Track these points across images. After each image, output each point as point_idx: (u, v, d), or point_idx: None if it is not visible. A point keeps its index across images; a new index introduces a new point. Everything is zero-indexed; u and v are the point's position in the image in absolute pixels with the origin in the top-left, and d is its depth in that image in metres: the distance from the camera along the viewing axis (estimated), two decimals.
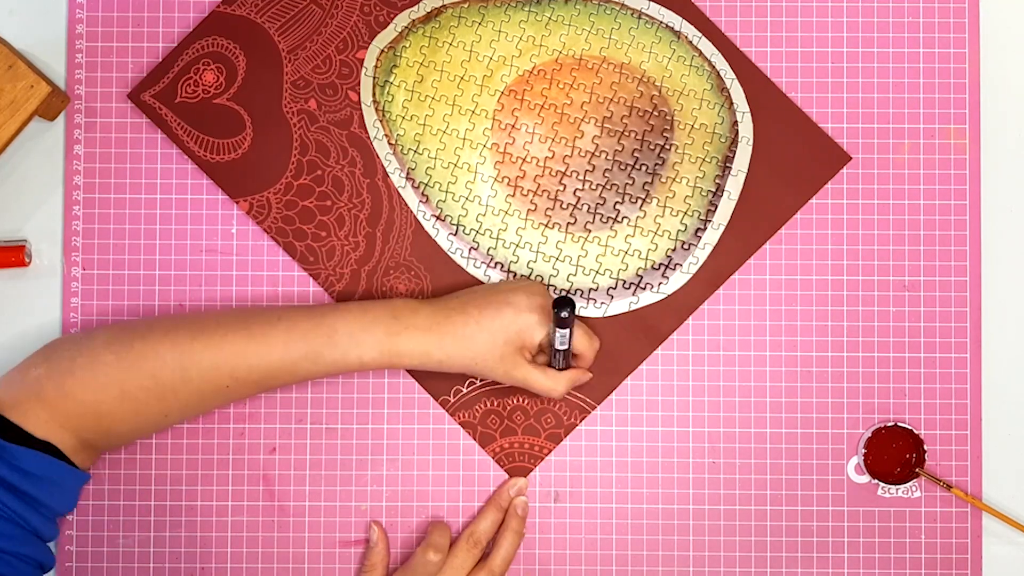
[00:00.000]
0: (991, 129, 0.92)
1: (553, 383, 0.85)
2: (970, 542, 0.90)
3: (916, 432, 0.90)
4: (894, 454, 0.90)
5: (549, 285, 0.90)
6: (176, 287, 0.91)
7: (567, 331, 0.81)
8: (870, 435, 0.90)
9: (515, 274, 0.90)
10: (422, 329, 0.83)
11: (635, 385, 0.91)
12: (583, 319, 0.90)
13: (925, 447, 0.90)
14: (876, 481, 0.90)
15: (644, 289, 0.91)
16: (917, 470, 0.90)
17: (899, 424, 0.90)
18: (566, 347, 0.83)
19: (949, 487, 0.89)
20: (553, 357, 0.85)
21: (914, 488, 0.90)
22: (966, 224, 0.91)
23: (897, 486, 0.90)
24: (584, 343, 0.86)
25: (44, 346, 0.84)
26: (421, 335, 0.83)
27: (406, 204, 0.91)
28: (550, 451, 0.90)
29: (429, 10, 0.92)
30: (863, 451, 0.90)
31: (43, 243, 0.92)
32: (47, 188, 0.92)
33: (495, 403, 0.90)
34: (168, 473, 0.90)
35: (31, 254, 0.91)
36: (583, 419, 0.90)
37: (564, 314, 0.78)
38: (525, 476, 0.90)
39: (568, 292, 0.90)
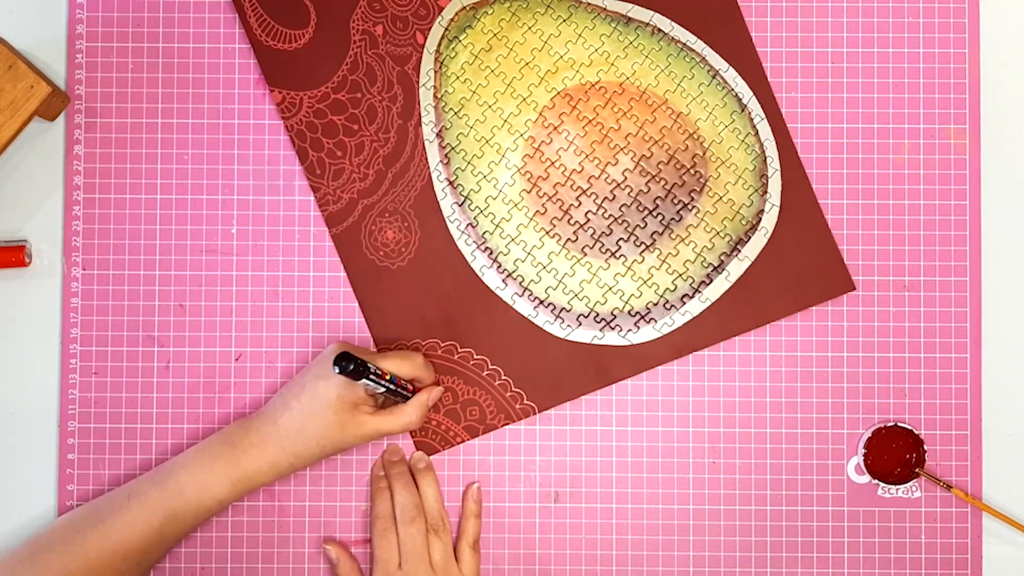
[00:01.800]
0: (991, 129, 0.92)
1: (403, 417, 0.85)
2: (970, 542, 0.90)
3: (916, 432, 0.90)
4: (894, 454, 0.90)
5: (526, 290, 0.90)
6: (176, 287, 0.91)
7: (371, 376, 0.80)
8: (870, 435, 0.90)
9: (499, 266, 0.90)
10: (258, 445, 0.83)
11: (635, 385, 0.91)
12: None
13: (925, 447, 0.90)
14: (876, 481, 0.90)
15: (612, 330, 0.90)
16: (917, 470, 0.90)
17: (899, 424, 0.90)
18: (386, 387, 0.83)
19: (949, 487, 0.89)
20: (392, 396, 0.85)
21: (914, 488, 0.90)
22: (966, 224, 0.91)
23: (897, 486, 0.90)
24: (405, 368, 0.86)
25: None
26: (259, 451, 0.83)
27: (426, 158, 0.91)
28: (462, 441, 0.90)
29: None
30: (863, 451, 0.90)
31: (43, 243, 0.92)
32: (47, 188, 0.92)
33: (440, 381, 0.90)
34: None
35: (31, 254, 0.91)
36: (505, 424, 0.90)
37: (351, 367, 0.77)
38: (429, 455, 0.90)
39: (541, 303, 0.90)
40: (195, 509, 0.83)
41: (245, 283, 0.91)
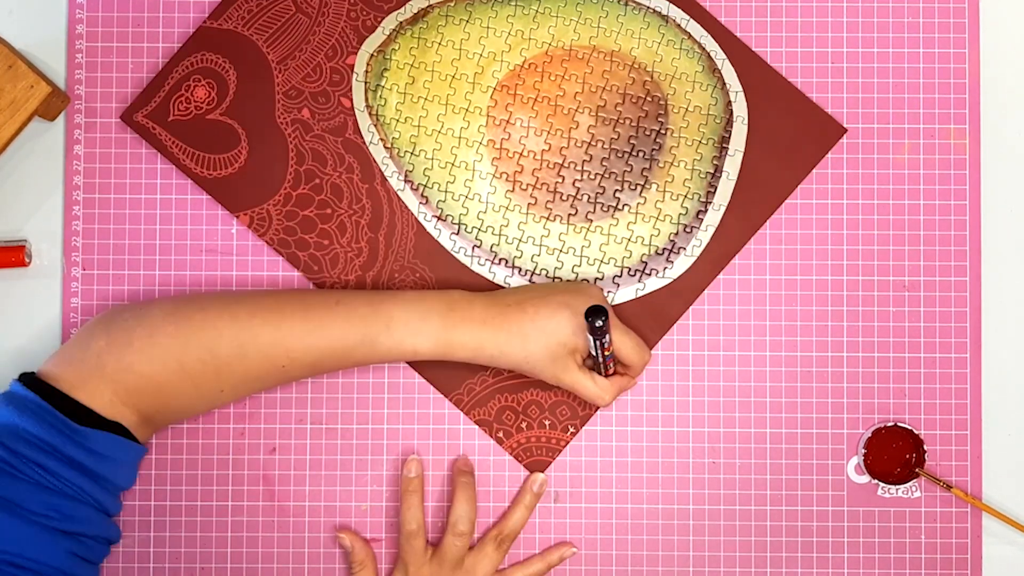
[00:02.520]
0: (991, 129, 0.92)
1: (600, 390, 0.85)
2: (970, 542, 0.90)
3: (916, 432, 0.90)
4: (894, 454, 0.90)
5: (554, 278, 0.90)
6: (176, 287, 0.91)
7: (605, 339, 0.81)
8: (870, 435, 0.90)
9: (519, 269, 0.90)
10: (478, 322, 0.83)
11: (635, 385, 0.91)
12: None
13: (925, 447, 0.90)
14: (876, 481, 0.90)
15: (649, 275, 0.91)
16: (917, 470, 0.90)
17: (899, 424, 0.90)
18: (606, 354, 0.83)
19: (949, 487, 0.89)
20: (596, 364, 0.85)
21: (914, 488, 0.90)
22: (966, 224, 0.91)
23: (897, 486, 0.90)
24: (632, 353, 0.85)
25: (101, 316, 0.84)
26: (476, 328, 0.83)
27: (406, 207, 0.91)
28: (566, 443, 0.90)
29: (416, 11, 0.92)
30: (863, 451, 0.90)
31: (43, 243, 0.92)
32: (47, 188, 0.92)
33: (509, 399, 0.90)
34: (168, 473, 0.90)
35: (31, 254, 0.91)
36: (598, 409, 0.90)
37: (598, 323, 0.78)
38: (543, 471, 0.90)
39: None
40: (392, 345, 0.82)
41: (245, 283, 0.91)
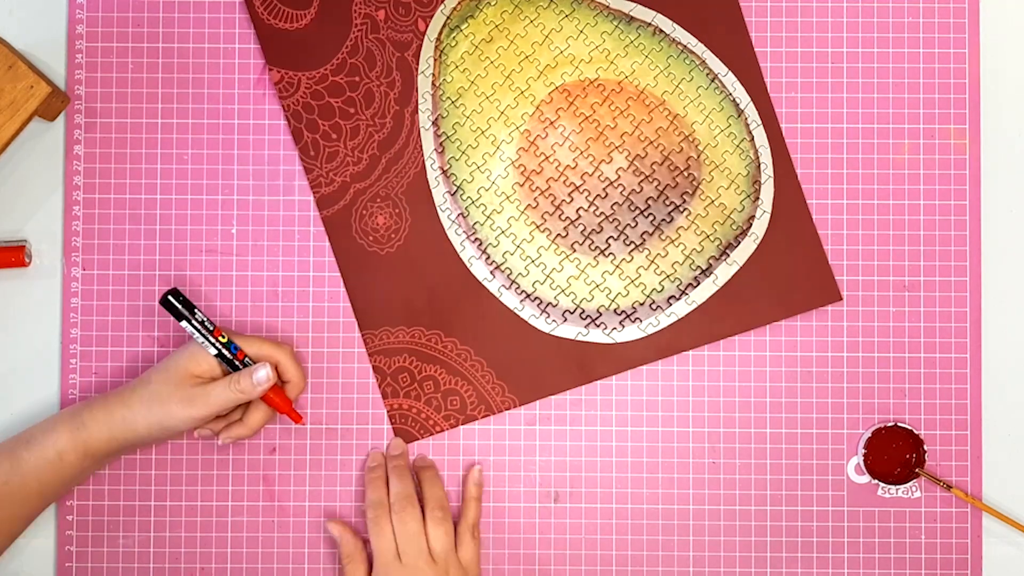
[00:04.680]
0: (991, 129, 0.92)
1: (237, 386, 0.84)
2: (970, 542, 0.90)
3: (916, 432, 0.90)
4: (894, 454, 0.90)
5: (513, 282, 0.90)
6: (176, 287, 0.91)
7: (196, 319, 0.83)
8: (870, 435, 0.90)
9: (488, 257, 0.90)
10: (99, 400, 0.84)
11: (635, 385, 0.91)
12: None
13: (925, 447, 0.90)
14: (876, 481, 0.90)
15: (597, 327, 0.90)
16: (917, 470, 0.90)
17: (899, 424, 0.90)
18: (214, 346, 0.84)
19: (949, 487, 0.89)
20: (221, 356, 0.85)
21: (914, 488, 0.90)
22: (966, 224, 0.91)
23: (897, 486, 0.90)
24: (262, 348, 0.86)
25: None
26: (103, 401, 0.84)
27: (421, 146, 0.91)
28: (442, 431, 0.90)
29: None
30: (863, 451, 0.90)
31: (43, 243, 0.92)
32: (47, 188, 0.92)
33: (412, 362, 0.90)
34: (168, 473, 0.90)
35: (31, 254, 0.91)
36: (486, 415, 0.90)
37: (172, 305, 0.82)
38: (408, 443, 0.90)
39: (528, 296, 0.90)
40: (37, 454, 0.82)
41: (245, 283, 0.91)
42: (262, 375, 0.84)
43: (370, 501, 0.87)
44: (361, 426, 0.91)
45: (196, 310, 0.85)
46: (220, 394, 0.84)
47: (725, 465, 0.91)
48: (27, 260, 0.91)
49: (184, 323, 0.84)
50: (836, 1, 0.92)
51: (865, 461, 0.90)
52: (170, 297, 0.84)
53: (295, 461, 0.91)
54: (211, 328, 0.85)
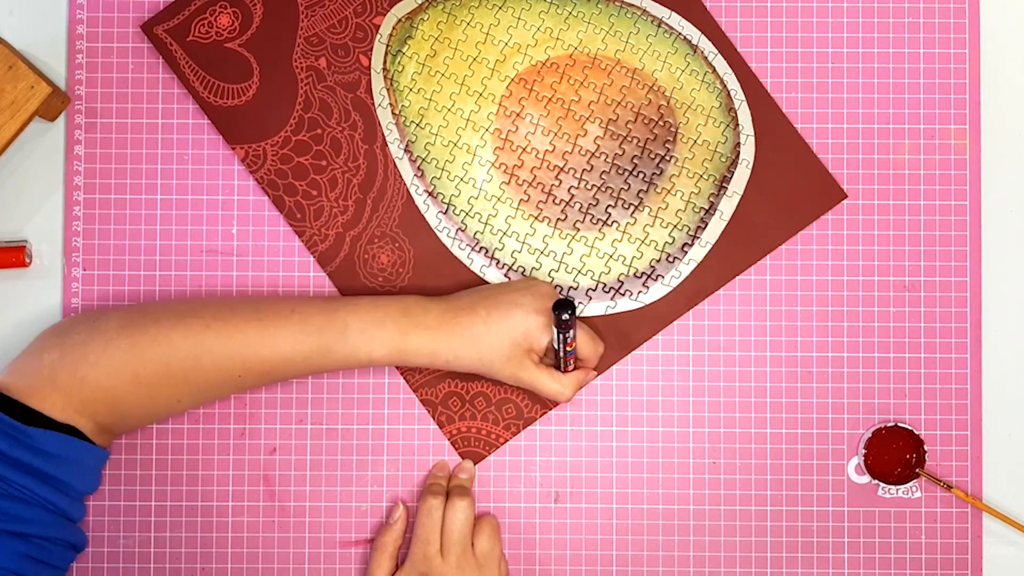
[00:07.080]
0: (991, 129, 0.92)
1: (561, 386, 0.85)
2: (970, 542, 0.90)
3: (916, 432, 0.90)
4: (894, 454, 0.90)
5: (553, 283, 0.90)
6: (176, 287, 0.91)
7: (569, 333, 0.81)
8: (870, 435, 0.90)
9: (498, 261, 0.90)
10: (431, 328, 0.83)
11: (635, 385, 0.91)
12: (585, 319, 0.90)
13: (925, 447, 0.90)
14: (876, 481, 0.90)
15: (623, 296, 0.90)
16: (917, 470, 0.90)
17: (899, 424, 0.90)
18: (568, 349, 0.83)
19: (949, 487, 0.89)
20: (557, 359, 0.85)
21: (914, 488, 0.90)
22: (966, 224, 0.91)
23: (897, 486, 0.90)
24: (588, 347, 0.86)
25: (53, 327, 0.83)
26: (430, 334, 0.83)
27: (400, 176, 0.91)
28: (506, 440, 0.90)
29: None
30: (863, 451, 0.90)
31: (43, 243, 0.92)
32: (47, 188, 0.92)
33: (458, 385, 0.90)
34: (168, 473, 0.90)
35: (31, 254, 0.91)
36: (543, 414, 0.90)
37: (564, 316, 0.78)
38: (476, 463, 0.90)
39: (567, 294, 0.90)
40: (347, 353, 0.82)
41: (245, 283, 0.91)
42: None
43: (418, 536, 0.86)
44: (361, 426, 0.91)
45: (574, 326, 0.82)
46: (545, 384, 0.84)
47: (725, 465, 0.91)
48: (27, 260, 0.91)
49: (556, 334, 0.82)
50: (836, 1, 0.92)
51: (865, 461, 0.90)
52: (561, 311, 0.78)
53: (295, 461, 0.91)
54: (571, 337, 0.83)
